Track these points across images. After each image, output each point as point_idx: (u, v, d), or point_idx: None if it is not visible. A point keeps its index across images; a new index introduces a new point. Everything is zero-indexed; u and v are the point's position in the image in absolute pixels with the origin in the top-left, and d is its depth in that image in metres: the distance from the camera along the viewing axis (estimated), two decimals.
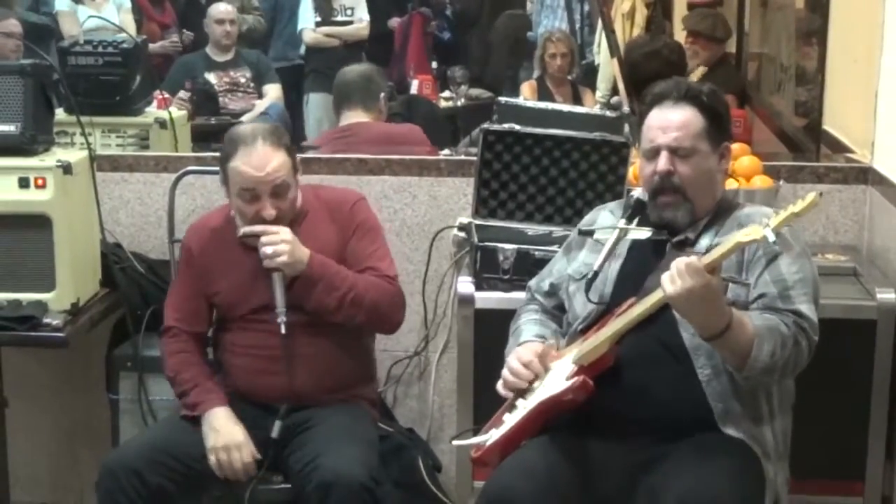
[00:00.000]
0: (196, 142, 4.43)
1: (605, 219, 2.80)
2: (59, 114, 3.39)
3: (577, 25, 7.58)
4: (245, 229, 2.97)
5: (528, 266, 3.10)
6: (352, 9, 7.29)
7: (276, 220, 2.94)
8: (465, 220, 3.44)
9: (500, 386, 2.67)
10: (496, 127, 3.37)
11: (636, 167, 3.16)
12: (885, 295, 2.99)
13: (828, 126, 4.01)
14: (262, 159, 2.90)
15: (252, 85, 6.52)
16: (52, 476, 3.82)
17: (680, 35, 5.96)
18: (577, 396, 2.52)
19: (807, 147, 4.26)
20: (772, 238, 2.29)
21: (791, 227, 2.60)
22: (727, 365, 2.46)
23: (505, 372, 2.66)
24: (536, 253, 3.14)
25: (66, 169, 3.10)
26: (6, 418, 3.35)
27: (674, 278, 2.32)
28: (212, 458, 2.92)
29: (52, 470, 3.82)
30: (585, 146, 3.34)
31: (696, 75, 5.31)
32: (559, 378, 2.56)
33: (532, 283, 2.92)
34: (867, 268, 3.23)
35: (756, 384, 2.49)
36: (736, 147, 3.32)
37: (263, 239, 2.93)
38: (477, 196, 3.39)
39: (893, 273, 3.16)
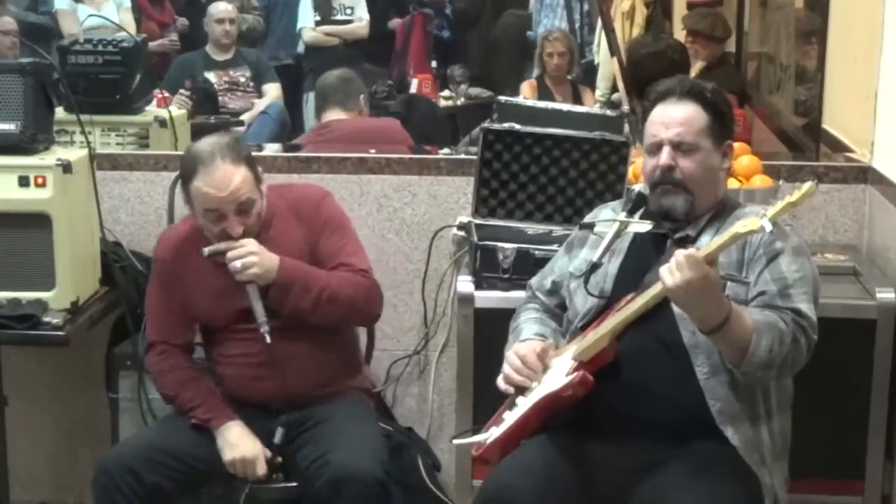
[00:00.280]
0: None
1: (607, 216, 2.80)
2: (59, 112, 3.39)
3: (577, 24, 7.57)
4: (208, 249, 2.93)
5: (527, 265, 3.10)
6: (351, 8, 7.30)
7: (244, 235, 2.91)
8: (464, 219, 3.44)
9: (500, 380, 2.67)
10: (496, 126, 3.38)
11: (636, 166, 3.17)
12: (885, 294, 2.99)
13: (827, 125, 4.01)
14: (223, 179, 2.86)
15: (252, 84, 6.52)
16: (51, 475, 3.82)
17: (679, 34, 5.95)
18: (577, 392, 2.52)
19: (806, 146, 4.26)
20: (769, 228, 2.29)
21: (792, 226, 2.61)
22: (726, 361, 2.46)
23: (505, 366, 2.67)
24: (536, 252, 3.14)
25: (66, 168, 3.10)
26: (6, 417, 3.35)
27: (672, 270, 2.32)
28: (229, 469, 2.93)
29: (51, 469, 3.82)
30: (585, 145, 3.34)
31: (694, 70, 5.31)
32: (559, 374, 2.57)
33: (533, 281, 2.92)
34: (867, 267, 3.23)
35: (754, 380, 2.49)
36: (735, 146, 3.31)
37: (230, 254, 2.90)
38: (477, 195, 3.39)
39: (893, 272, 3.16)
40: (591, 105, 6.03)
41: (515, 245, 3.17)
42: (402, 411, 3.68)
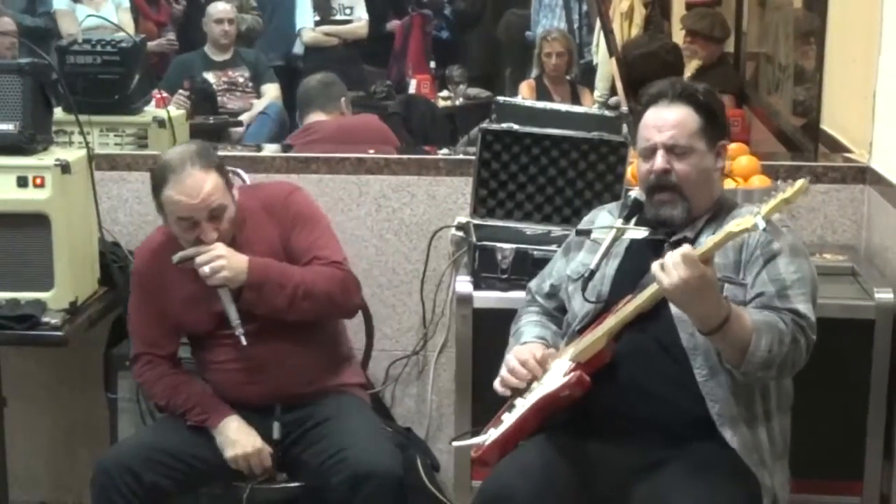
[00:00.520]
0: None
1: (604, 219, 2.80)
2: (58, 113, 3.39)
3: (576, 25, 7.59)
4: (177, 256, 2.92)
5: (526, 265, 3.10)
6: (351, 8, 7.30)
7: (219, 240, 2.90)
8: (463, 219, 3.44)
9: (497, 383, 2.67)
10: (494, 126, 3.38)
11: (634, 167, 3.17)
12: (883, 295, 2.99)
13: (826, 126, 4.01)
14: (194, 186, 2.85)
15: (250, 84, 6.51)
16: (50, 475, 3.82)
17: (678, 34, 5.97)
18: (574, 392, 2.52)
19: (805, 147, 4.26)
20: (762, 225, 2.30)
21: (789, 227, 2.61)
22: (725, 362, 2.46)
23: (503, 370, 2.67)
24: (535, 252, 3.14)
25: (65, 168, 3.10)
26: (5, 417, 3.35)
27: (668, 269, 2.32)
28: (232, 466, 2.93)
29: (50, 469, 3.82)
30: (584, 146, 3.34)
31: (690, 69, 5.31)
32: (556, 375, 2.57)
33: (532, 284, 2.92)
34: (865, 267, 3.23)
35: (754, 381, 2.49)
36: (734, 147, 3.33)
37: (198, 260, 2.89)
38: (475, 195, 3.39)
39: (891, 273, 3.16)
40: (590, 105, 6.03)
41: (514, 245, 3.17)
42: (401, 412, 3.68)
